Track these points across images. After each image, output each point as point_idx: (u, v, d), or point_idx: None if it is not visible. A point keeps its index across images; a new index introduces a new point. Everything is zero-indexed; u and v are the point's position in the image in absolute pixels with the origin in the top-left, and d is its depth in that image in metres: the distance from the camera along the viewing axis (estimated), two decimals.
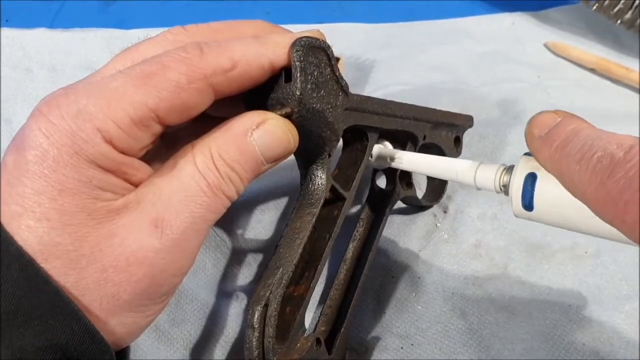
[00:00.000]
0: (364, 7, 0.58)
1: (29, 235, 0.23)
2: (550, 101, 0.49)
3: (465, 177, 0.29)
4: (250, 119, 0.27)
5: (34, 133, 0.23)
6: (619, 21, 0.52)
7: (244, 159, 0.27)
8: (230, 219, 0.39)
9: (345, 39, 0.53)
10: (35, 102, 0.26)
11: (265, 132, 0.27)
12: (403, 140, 0.37)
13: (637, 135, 0.45)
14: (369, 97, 0.32)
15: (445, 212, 0.41)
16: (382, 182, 0.38)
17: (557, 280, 0.38)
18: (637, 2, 0.50)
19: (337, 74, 0.29)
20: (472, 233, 0.40)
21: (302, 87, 0.27)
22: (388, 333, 0.36)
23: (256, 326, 0.27)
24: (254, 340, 0.27)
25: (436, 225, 0.41)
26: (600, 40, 0.54)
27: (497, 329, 0.35)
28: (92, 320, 0.24)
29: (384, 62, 0.51)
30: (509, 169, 0.27)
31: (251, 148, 0.27)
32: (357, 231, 0.36)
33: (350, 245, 0.36)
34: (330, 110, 0.29)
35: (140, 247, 0.24)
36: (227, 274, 0.38)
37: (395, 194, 0.37)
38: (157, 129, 0.25)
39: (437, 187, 0.42)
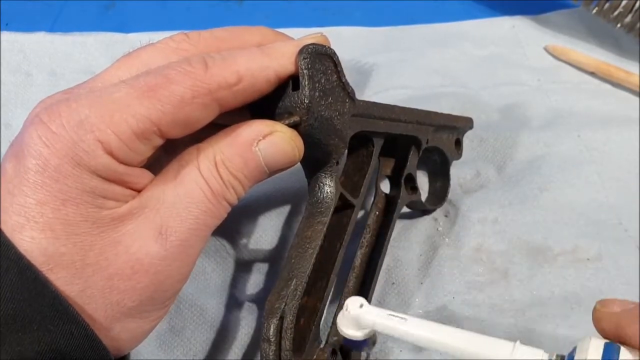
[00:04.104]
0: (363, 10, 0.58)
1: (32, 246, 0.23)
2: (550, 105, 0.49)
3: None
4: (258, 128, 0.27)
5: (34, 141, 0.23)
6: (619, 24, 0.52)
7: (248, 168, 0.27)
8: (229, 223, 0.39)
9: (345, 42, 0.53)
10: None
11: (271, 144, 0.27)
12: (406, 146, 0.37)
13: (637, 139, 0.45)
14: (374, 102, 0.32)
15: (446, 215, 0.41)
16: (385, 186, 0.38)
17: (559, 284, 0.38)
18: (637, 5, 0.50)
19: (344, 81, 0.28)
20: (473, 237, 0.39)
21: (311, 95, 0.27)
22: (389, 338, 0.35)
23: (272, 339, 0.27)
24: (270, 354, 0.27)
25: (437, 229, 0.41)
26: (601, 43, 0.54)
27: (498, 334, 0.35)
28: (96, 327, 0.24)
29: (384, 65, 0.51)
30: (559, 358, 0.23)
31: (256, 158, 0.27)
32: (364, 238, 0.35)
33: (359, 253, 0.35)
34: (338, 117, 0.28)
35: (146, 254, 0.24)
36: (227, 279, 0.38)
37: (401, 199, 0.36)
38: (159, 141, 0.25)
39: (440, 190, 0.42)
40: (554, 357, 0.23)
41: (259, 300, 0.37)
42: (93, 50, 0.51)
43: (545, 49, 0.54)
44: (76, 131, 0.23)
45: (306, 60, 0.27)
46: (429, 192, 0.42)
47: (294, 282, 0.28)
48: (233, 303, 0.37)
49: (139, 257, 0.24)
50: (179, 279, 0.26)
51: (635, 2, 0.50)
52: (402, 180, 0.36)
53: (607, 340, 0.22)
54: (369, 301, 0.34)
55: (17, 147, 0.24)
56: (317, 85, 0.27)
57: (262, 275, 0.38)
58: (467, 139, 0.44)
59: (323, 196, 0.30)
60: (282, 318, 0.27)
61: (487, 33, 0.55)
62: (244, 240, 0.39)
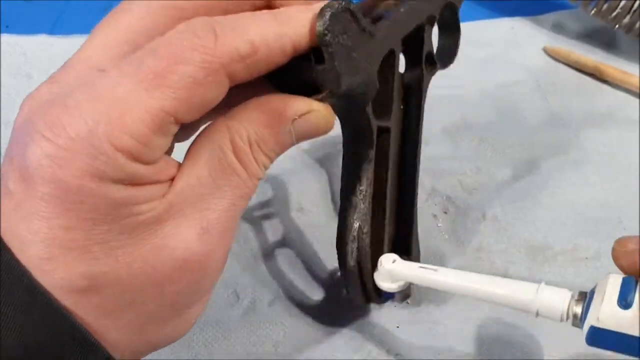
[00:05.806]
0: None
1: (70, 274, 0.21)
2: (549, 106, 0.49)
3: (524, 303, 0.26)
4: (295, 106, 0.25)
5: (43, 162, 0.20)
6: (617, 25, 0.52)
7: (280, 148, 0.25)
8: None
9: None
10: None
11: (307, 122, 0.25)
12: (420, 28, 0.33)
13: (637, 139, 0.45)
14: (392, 20, 0.29)
15: (445, 212, 0.41)
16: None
17: (558, 283, 0.37)
18: (635, 6, 0.50)
19: (363, 24, 0.26)
20: (473, 235, 0.39)
21: (339, 66, 0.24)
22: (390, 338, 0.35)
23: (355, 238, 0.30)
24: (355, 250, 0.30)
25: (436, 226, 0.41)
26: (599, 44, 0.54)
27: (498, 333, 0.35)
28: (154, 331, 0.24)
29: None
30: (582, 294, 0.25)
31: (288, 138, 0.25)
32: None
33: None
34: (366, 66, 0.26)
35: (191, 253, 0.23)
36: (230, 275, 0.38)
37: (425, 82, 0.34)
38: (176, 129, 0.22)
39: (450, 48, 0.39)
40: (577, 295, 0.25)
41: (263, 298, 0.37)
42: None
43: (544, 50, 0.54)
44: (89, 143, 0.20)
45: (328, 29, 0.23)
46: (437, 52, 0.37)
47: (357, 224, 0.30)
48: (235, 301, 0.37)
49: (185, 256, 0.23)
50: (221, 266, 0.25)
51: (634, 3, 0.50)
52: (423, 61, 0.34)
53: (626, 275, 0.24)
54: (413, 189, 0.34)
55: (21, 166, 0.21)
56: (342, 50, 0.24)
57: (266, 273, 0.38)
58: (467, 139, 0.44)
59: (362, 132, 0.29)
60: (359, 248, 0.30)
61: (486, 34, 0.55)
62: (248, 234, 0.39)
